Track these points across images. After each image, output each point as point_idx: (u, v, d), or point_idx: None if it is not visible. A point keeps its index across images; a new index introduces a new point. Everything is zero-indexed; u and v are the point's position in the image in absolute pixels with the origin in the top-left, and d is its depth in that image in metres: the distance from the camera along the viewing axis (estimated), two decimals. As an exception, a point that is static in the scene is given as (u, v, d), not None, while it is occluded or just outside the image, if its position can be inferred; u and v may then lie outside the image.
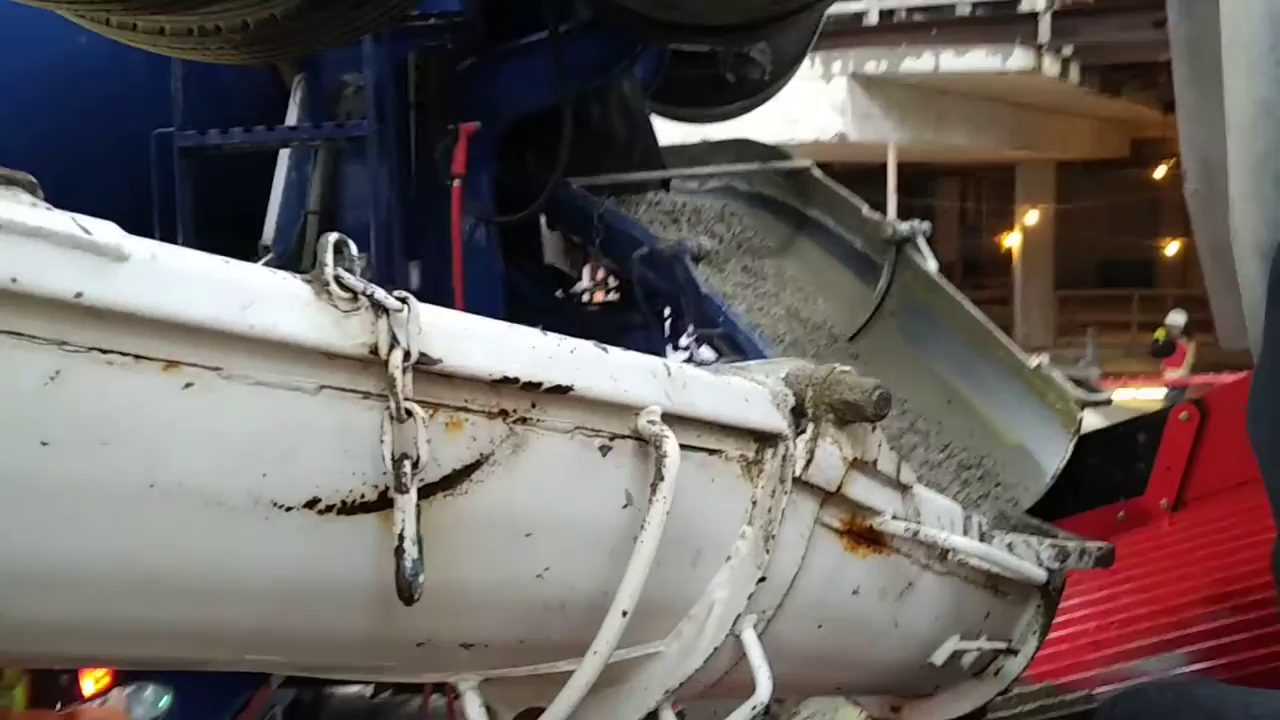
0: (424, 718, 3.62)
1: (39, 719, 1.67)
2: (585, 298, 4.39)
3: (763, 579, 0.97)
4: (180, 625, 0.72)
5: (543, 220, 3.89)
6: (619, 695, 1.02)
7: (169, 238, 3.04)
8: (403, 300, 0.68)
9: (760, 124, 5.19)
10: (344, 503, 0.71)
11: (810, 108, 15.11)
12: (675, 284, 3.18)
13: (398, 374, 0.67)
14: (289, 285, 0.65)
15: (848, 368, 0.97)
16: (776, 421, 0.94)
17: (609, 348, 0.83)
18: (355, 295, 0.66)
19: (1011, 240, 21.93)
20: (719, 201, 4.09)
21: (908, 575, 1.12)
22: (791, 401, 0.96)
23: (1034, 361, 2.82)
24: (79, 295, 0.56)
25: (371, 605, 0.76)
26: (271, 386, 0.66)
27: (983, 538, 1.17)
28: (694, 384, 0.88)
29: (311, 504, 0.70)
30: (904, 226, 3.28)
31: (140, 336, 0.60)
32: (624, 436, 0.85)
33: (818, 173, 3.90)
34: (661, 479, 0.82)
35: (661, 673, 1.00)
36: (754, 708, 0.97)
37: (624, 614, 0.83)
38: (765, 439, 0.95)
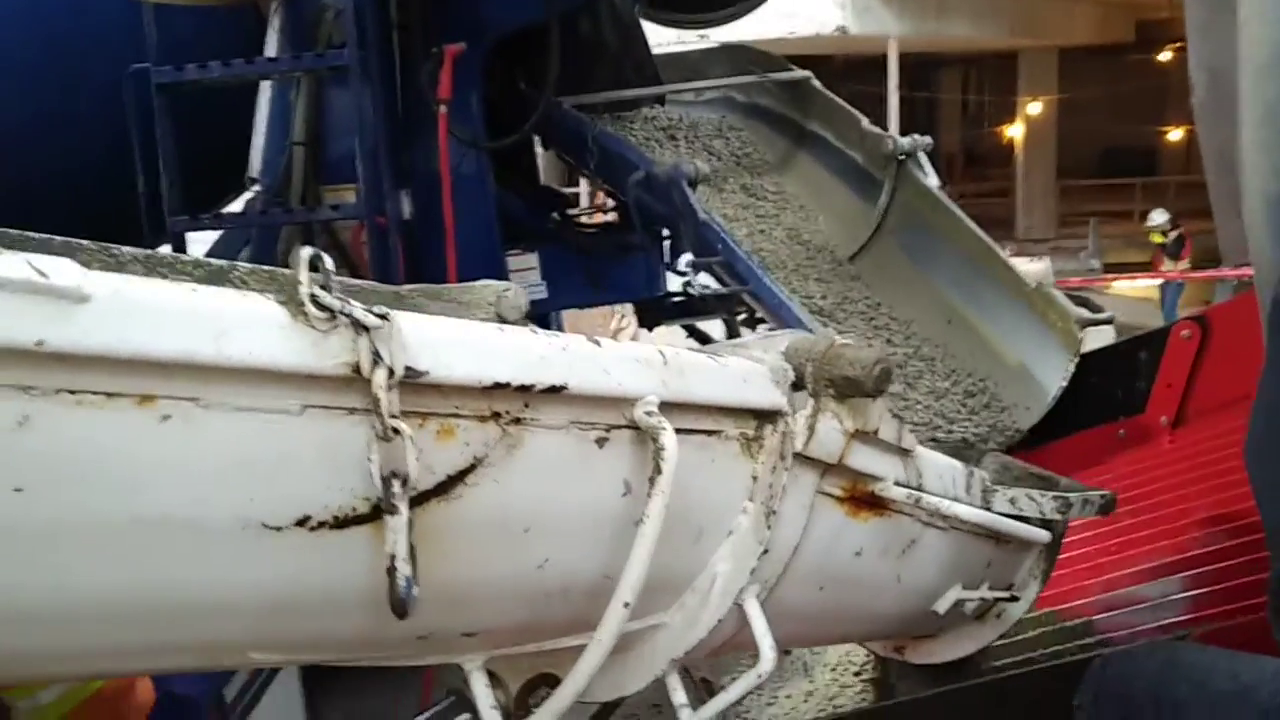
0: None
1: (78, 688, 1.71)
2: (583, 219, 4.33)
3: (765, 551, 0.97)
4: (178, 643, 0.71)
5: (537, 140, 3.80)
6: (625, 664, 1.03)
7: (152, 176, 2.98)
8: (383, 316, 0.65)
9: (757, 20, 5.05)
10: (335, 518, 0.70)
11: (808, 1, 14.72)
12: (673, 208, 3.13)
13: (381, 393, 0.65)
14: (263, 308, 0.62)
15: (849, 340, 0.94)
16: (776, 399, 0.92)
17: (602, 341, 0.80)
18: (333, 314, 0.64)
19: (1014, 130, 21.58)
20: (716, 114, 4.00)
21: (910, 534, 1.11)
22: (791, 377, 0.94)
23: (1034, 281, 2.78)
24: (40, 343, 0.54)
25: (369, 611, 0.75)
26: (253, 411, 0.63)
27: (985, 494, 1.16)
28: (691, 370, 0.86)
29: (302, 522, 0.69)
30: (905, 141, 3.21)
31: (110, 375, 0.58)
32: (620, 427, 0.83)
33: (816, 83, 3.80)
34: (660, 472, 0.81)
35: (667, 643, 1.00)
36: (759, 676, 0.98)
37: (625, 605, 0.83)
38: (764, 416, 0.93)
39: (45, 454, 0.57)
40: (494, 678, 1.05)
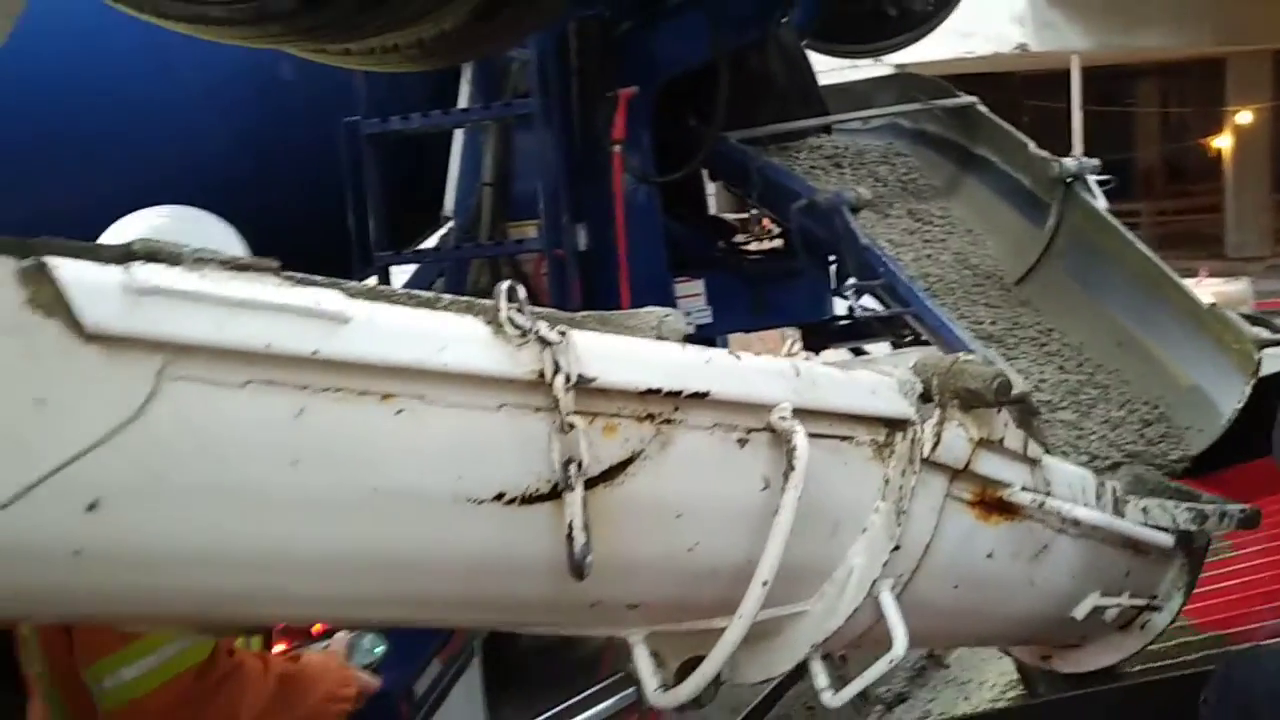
0: (609, 648, 3.88)
1: (267, 659, 1.93)
2: (749, 246, 4.47)
3: (896, 548, 1.08)
4: (395, 594, 0.89)
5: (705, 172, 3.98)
6: (772, 648, 1.16)
7: (360, 217, 3.33)
8: (562, 334, 0.81)
9: (932, 42, 5.07)
10: (524, 496, 0.86)
11: (985, 20, 14.35)
12: (835, 234, 3.23)
13: (560, 394, 0.81)
14: (473, 328, 0.80)
15: (971, 356, 1.05)
16: (903, 408, 1.04)
17: (742, 355, 0.94)
18: (524, 332, 0.81)
19: (1221, 142, 20.28)
20: (882, 141, 4.06)
21: (1042, 539, 1.19)
22: (919, 389, 1.06)
23: (1208, 300, 2.73)
24: (315, 353, 0.72)
25: (549, 576, 0.91)
26: (463, 407, 0.81)
27: (1117, 503, 1.23)
28: (822, 381, 0.99)
29: (499, 497, 0.85)
30: (1072, 164, 3.20)
31: (363, 377, 0.76)
32: (759, 430, 0.97)
33: (983, 108, 3.82)
34: (793, 469, 0.94)
35: (808, 628, 1.12)
36: (891, 660, 1.08)
37: (764, 584, 0.96)
38: (894, 424, 1.05)
39: (315, 437, 0.76)
40: (657, 658, 1.20)
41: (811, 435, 0.99)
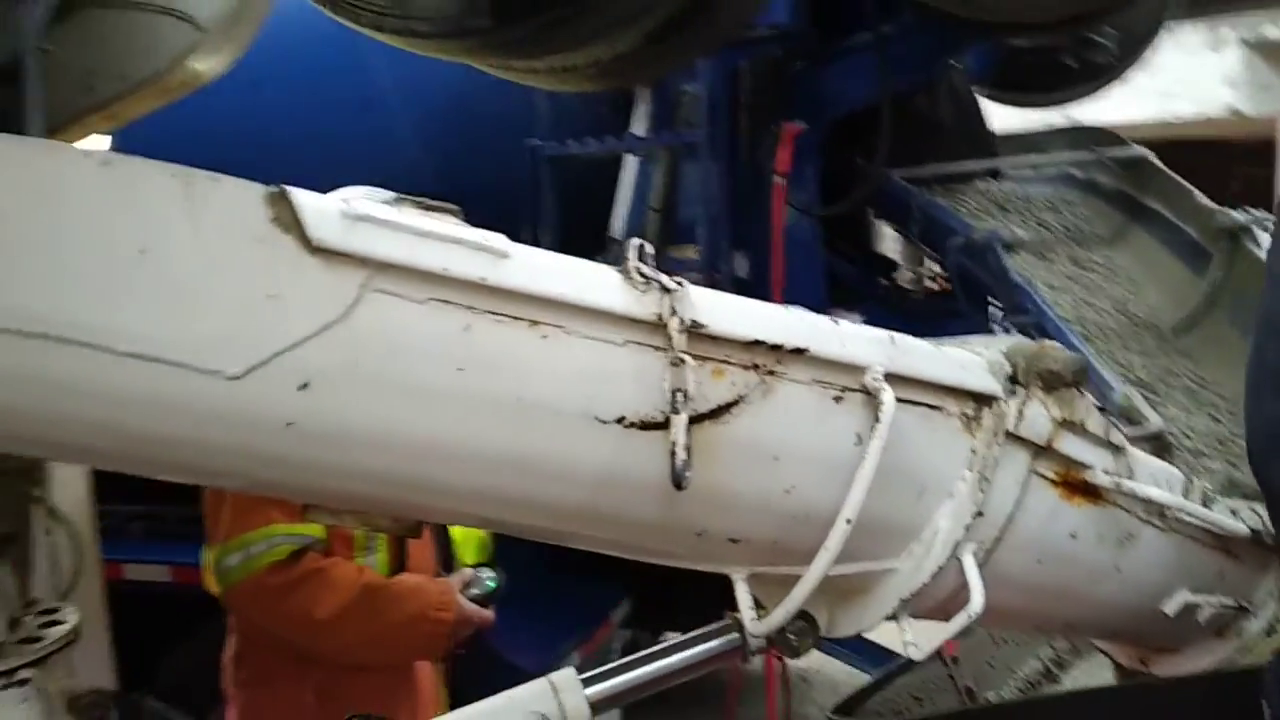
0: (735, 673, 3.97)
1: (362, 571, 2.17)
2: (909, 284, 4.53)
3: (980, 514, 1.19)
4: (531, 497, 1.06)
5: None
6: (865, 602, 1.28)
7: (534, 233, 3.61)
8: (679, 283, 0.98)
9: (1129, 101, 5.01)
10: (641, 422, 1.03)
11: (1192, 80, 13.76)
12: (990, 272, 3.28)
13: (674, 334, 0.98)
14: (607, 274, 0.98)
15: (1058, 344, 1.15)
16: (990, 385, 1.15)
17: (841, 320, 1.09)
18: (648, 280, 0.98)
19: None
20: (1052, 189, 4.08)
21: (1127, 527, 1.27)
22: (1007, 370, 1.17)
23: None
24: (482, 279, 0.92)
25: (659, 498, 1.07)
26: (595, 340, 0.99)
27: (1205, 501, 1.29)
28: (915, 352, 1.12)
29: (620, 420, 1.02)
30: (1239, 216, 3.16)
31: (517, 305, 0.95)
32: (854, 390, 1.10)
33: (1156, 161, 3.79)
34: (878, 420, 1.07)
35: (897, 584, 1.23)
36: (969, 616, 1.18)
37: (848, 521, 1.09)
38: (981, 400, 1.17)
39: (477, 350, 0.95)
40: (758, 604, 1.34)
41: (903, 400, 1.12)
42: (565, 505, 1.08)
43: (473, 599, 2.24)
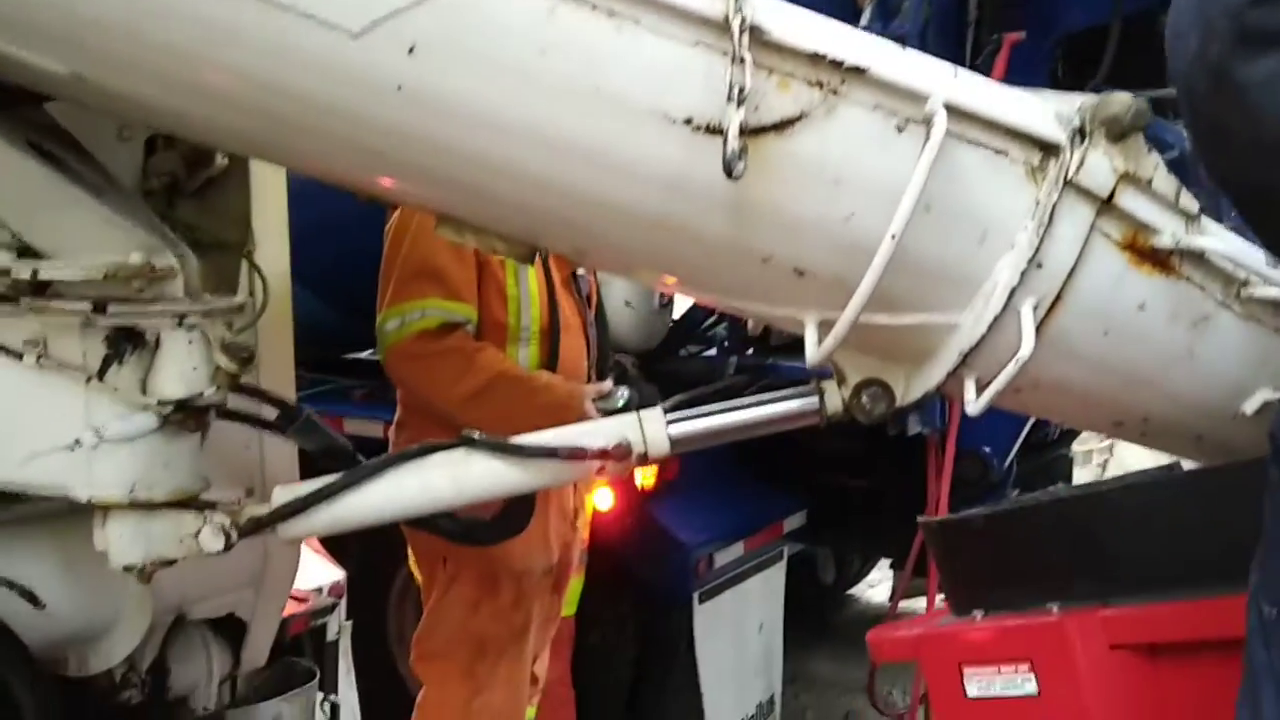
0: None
1: (506, 360, 2.45)
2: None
3: (1039, 265, 1.23)
4: (603, 193, 1.19)
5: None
6: (931, 358, 1.34)
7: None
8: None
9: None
10: (707, 125, 1.16)
11: None
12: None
13: (736, 32, 1.10)
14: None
15: (1126, 94, 1.18)
16: (1054, 132, 1.20)
17: (906, 50, 1.17)
18: (719, -17, 1.11)
19: None
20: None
21: (1202, 308, 1.27)
22: (1075, 122, 1.20)
23: None
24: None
25: (726, 206, 1.19)
26: (666, 36, 1.12)
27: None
28: (979, 88, 1.19)
29: (688, 121, 1.16)
30: None
31: (597, -6, 1.10)
32: (916, 121, 1.18)
33: None
34: (928, 139, 1.14)
35: (959, 338, 1.29)
36: (1018, 361, 1.24)
37: (893, 237, 1.17)
38: (1048, 149, 1.21)
39: (559, 33, 1.11)
40: (838, 372, 1.44)
41: (968, 141, 1.19)
42: (640, 212, 1.22)
43: (601, 410, 2.41)
